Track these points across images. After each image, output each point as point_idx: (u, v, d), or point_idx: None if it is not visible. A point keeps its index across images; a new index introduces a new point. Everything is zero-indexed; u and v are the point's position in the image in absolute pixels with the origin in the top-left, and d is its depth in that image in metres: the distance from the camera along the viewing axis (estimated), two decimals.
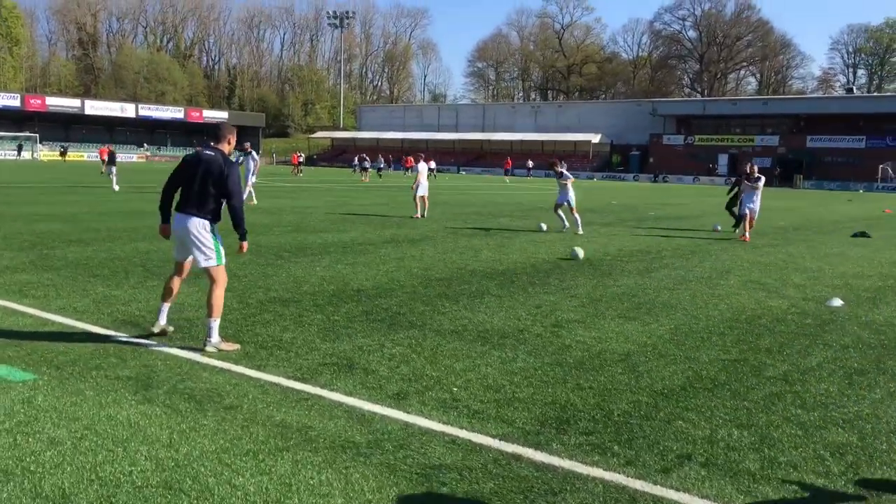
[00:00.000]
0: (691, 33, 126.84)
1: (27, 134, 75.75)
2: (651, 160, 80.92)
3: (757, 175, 16.47)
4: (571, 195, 16.63)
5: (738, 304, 8.67)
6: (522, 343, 6.45)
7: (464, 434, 4.27)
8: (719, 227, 18.75)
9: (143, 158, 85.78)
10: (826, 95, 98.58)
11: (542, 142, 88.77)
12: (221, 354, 5.72)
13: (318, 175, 58.24)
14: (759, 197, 16.30)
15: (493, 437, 4.24)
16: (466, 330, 6.87)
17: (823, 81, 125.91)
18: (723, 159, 76.92)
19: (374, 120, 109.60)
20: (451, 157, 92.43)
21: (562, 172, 16.60)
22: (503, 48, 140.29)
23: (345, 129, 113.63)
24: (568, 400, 4.94)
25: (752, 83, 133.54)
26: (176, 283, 6.21)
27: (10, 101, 78.96)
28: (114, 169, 28.62)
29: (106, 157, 36.35)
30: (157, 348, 5.84)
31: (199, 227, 5.82)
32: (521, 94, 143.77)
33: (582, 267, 11.27)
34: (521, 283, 9.64)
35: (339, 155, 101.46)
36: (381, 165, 59.09)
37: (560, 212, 17.09)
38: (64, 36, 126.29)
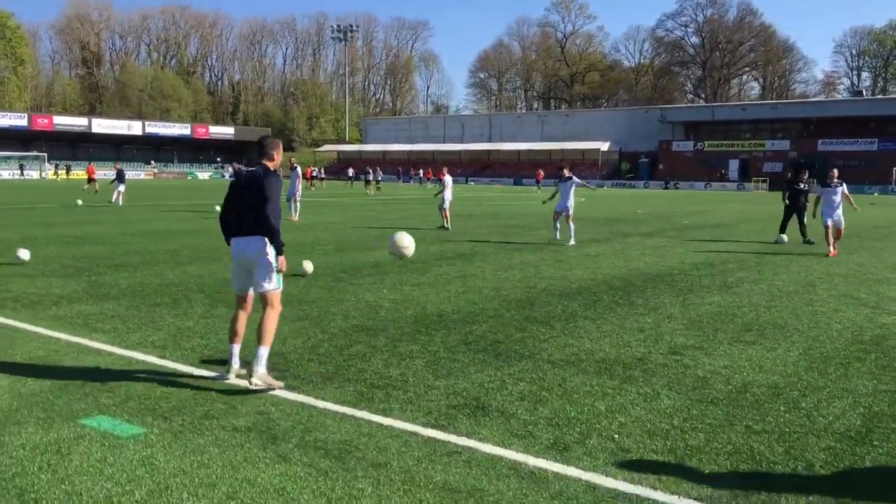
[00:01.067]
0: (694, 39, 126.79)
1: (35, 153, 75.49)
2: (660, 167, 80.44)
3: (837, 181, 15.09)
4: (572, 202, 16.23)
5: (849, 322, 8.09)
6: (652, 375, 5.88)
7: (662, 497, 3.69)
8: (785, 239, 17.45)
9: (151, 175, 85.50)
10: (835, 98, 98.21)
11: (550, 151, 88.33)
12: (336, 396, 5.17)
13: (328, 189, 57.72)
14: (841, 205, 15.02)
15: (700, 501, 3.67)
16: (581, 360, 6.31)
17: (827, 85, 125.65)
18: (733, 165, 76.46)
19: (379, 132, 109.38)
20: (458, 167, 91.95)
21: (570, 176, 16.46)
22: (505, 58, 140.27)
23: (350, 142, 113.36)
24: (751, 448, 4.36)
25: (755, 88, 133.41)
26: (242, 320, 5.68)
27: (18, 120, 78.81)
28: (122, 187, 28.36)
29: (94, 176, 36.78)
30: (262, 391, 5.28)
31: (259, 245, 5.47)
32: (523, 104, 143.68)
33: (656, 283, 10.71)
34: (605, 302, 9.07)
35: (345, 168, 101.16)
36: (380, 177, 58.64)
37: (557, 221, 16.66)
38: (67, 55, 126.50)
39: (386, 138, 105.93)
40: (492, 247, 15.39)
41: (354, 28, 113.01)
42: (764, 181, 70.00)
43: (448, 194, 19.90)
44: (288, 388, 5.35)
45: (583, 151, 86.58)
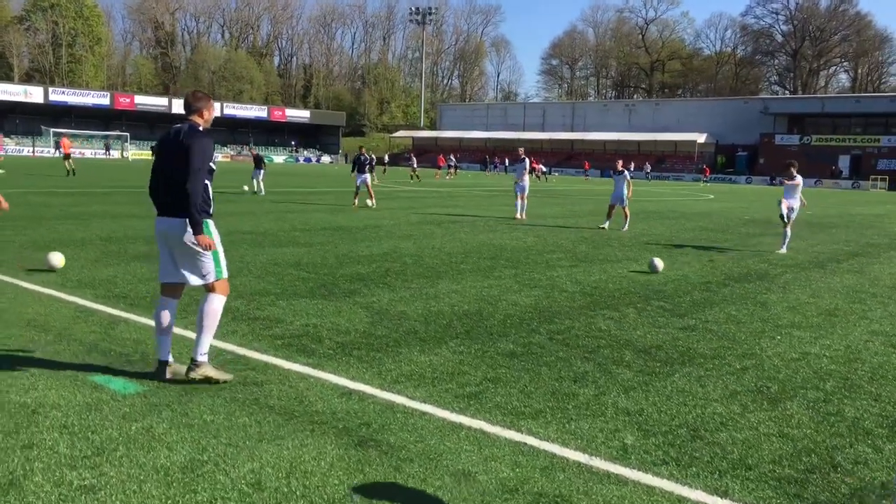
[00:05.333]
0: (784, 27, 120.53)
1: (118, 133, 74.56)
2: (761, 161, 75.72)
3: None
4: (626, 195, 17.02)
5: None
6: None
7: None
8: None
9: (228, 158, 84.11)
10: None
11: (639, 142, 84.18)
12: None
13: (422, 176, 55.03)
14: None
15: None
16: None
17: None
18: (844, 161, 71.38)
19: (455, 119, 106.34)
20: (540, 157, 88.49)
21: (623, 171, 17.42)
22: (580, 44, 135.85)
23: (424, 129, 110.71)
24: None
25: (843, 80, 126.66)
26: (171, 311, 5.02)
27: (101, 99, 78.06)
28: (262, 174, 25.71)
29: (69, 151, 34.69)
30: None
31: (186, 227, 4.72)
32: (594, 92, 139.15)
33: None
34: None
35: (421, 155, 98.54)
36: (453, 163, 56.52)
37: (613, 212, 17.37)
38: (140, 34, 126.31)
39: (462, 125, 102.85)
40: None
41: (433, 10, 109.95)
42: (883, 179, 64.97)
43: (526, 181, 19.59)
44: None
45: (675, 143, 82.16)
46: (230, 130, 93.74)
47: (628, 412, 4.66)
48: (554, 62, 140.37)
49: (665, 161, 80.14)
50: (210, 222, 4.88)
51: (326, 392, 4.87)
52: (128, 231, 13.16)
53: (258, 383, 4.99)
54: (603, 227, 17.05)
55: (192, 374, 4.84)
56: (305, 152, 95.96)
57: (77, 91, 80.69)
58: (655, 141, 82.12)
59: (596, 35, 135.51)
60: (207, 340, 4.91)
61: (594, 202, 29.24)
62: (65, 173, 32.87)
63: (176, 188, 4.70)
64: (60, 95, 76.62)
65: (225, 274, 4.97)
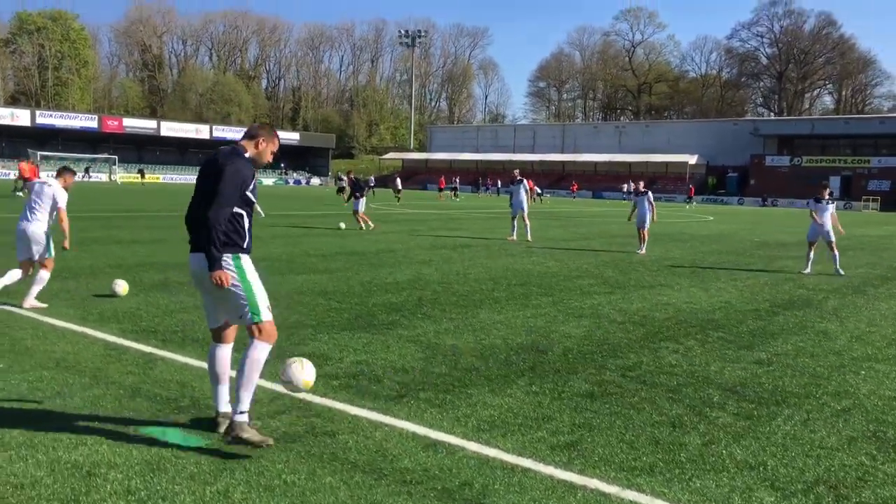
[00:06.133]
0: (769, 50, 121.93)
1: (106, 156, 73.73)
2: (752, 182, 76.02)
3: None
4: (649, 217, 16.93)
5: None
6: None
7: None
8: None
9: None
10: None
11: (630, 163, 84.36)
12: None
13: (414, 199, 54.70)
14: None
15: None
16: None
17: None
18: (834, 182, 71.69)
19: (445, 140, 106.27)
20: (531, 178, 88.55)
21: (646, 191, 17.37)
22: (567, 67, 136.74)
23: (414, 150, 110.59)
24: None
25: (827, 102, 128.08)
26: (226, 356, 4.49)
27: (89, 122, 77.30)
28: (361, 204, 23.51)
29: (27, 175, 30.77)
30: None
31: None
32: (582, 114, 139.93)
33: None
34: None
35: (411, 177, 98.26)
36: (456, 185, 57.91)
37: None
38: (127, 57, 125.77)
39: (452, 146, 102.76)
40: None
41: (422, 33, 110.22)
42: (874, 200, 65.32)
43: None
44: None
45: (667, 164, 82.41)
46: None
47: (750, 465, 4.20)
48: (541, 84, 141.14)
49: (657, 182, 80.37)
50: (244, 258, 4.30)
51: (408, 443, 4.37)
52: (137, 258, 12.60)
53: (329, 433, 4.48)
54: (641, 252, 16.52)
55: (227, 438, 4.16)
56: (295, 174, 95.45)
57: (64, 114, 79.92)
58: (647, 162, 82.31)
59: (582, 58, 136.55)
60: (247, 396, 4.17)
61: (598, 224, 28.93)
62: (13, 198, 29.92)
63: (203, 217, 4.15)
64: (48, 118, 75.80)
65: (266, 316, 4.29)
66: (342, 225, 21.32)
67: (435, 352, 6.67)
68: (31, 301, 7.95)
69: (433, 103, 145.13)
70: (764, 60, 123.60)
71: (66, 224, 8.21)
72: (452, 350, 6.74)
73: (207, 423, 4.54)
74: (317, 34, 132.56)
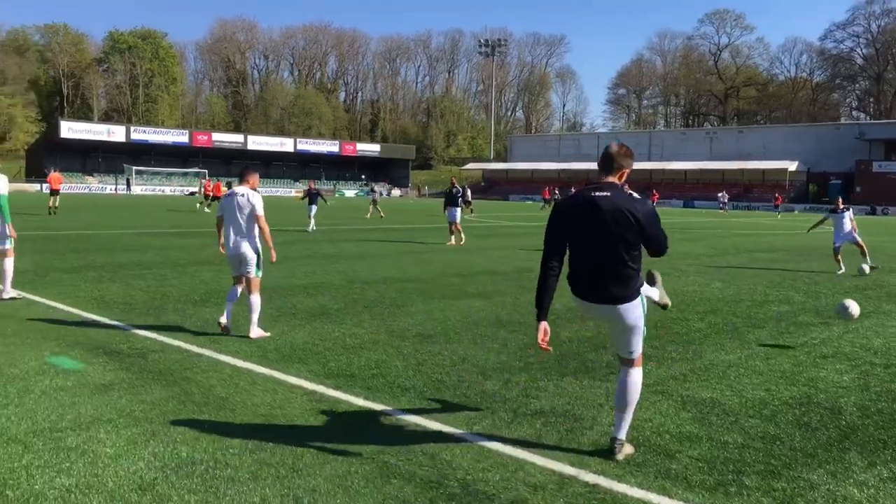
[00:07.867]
0: (865, 51, 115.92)
1: (196, 169, 75.42)
2: (857, 189, 71.78)
3: None
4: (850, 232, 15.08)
5: None
6: None
7: None
8: None
9: (300, 194, 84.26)
10: None
11: (724, 171, 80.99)
12: None
13: (502, 210, 53.49)
14: None
15: None
16: None
17: None
18: None
19: (526, 150, 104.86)
20: None
21: (847, 207, 15.53)
22: (647, 73, 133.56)
23: (495, 160, 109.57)
24: None
25: None
26: None
27: (180, 136, 79.41)
28: (313, 208, 23.82)
29: (210, 192, 33.02)
30: None
31: None
32: (663, 121, 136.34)
33: None
34: None
35: (492, 187, 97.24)
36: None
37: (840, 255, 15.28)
38: (212, 73, 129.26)
39: (533, 156, 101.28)
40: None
41: (502, 42, 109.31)
42: None
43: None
44: None
45: (763, 171, 78.75)
46: (301, 165, 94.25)
47: None
48: (621, 91, 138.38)
49: (753, 190, 76.79)
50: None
51: None
52: (294, 279, 11.63)
53: None
54: (842, 271, 14.95)
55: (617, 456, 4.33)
56: (376, 186, 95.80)
57: (157, 129, 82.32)
58: (742, 170, 78.81)
59: (664, 63, 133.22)
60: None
61: (731, 238, 27.05)
62: (46, 212, 28.56)
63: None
64: (142, 134, 78.16)
65: None
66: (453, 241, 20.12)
67: (703, 409, 5.41)
68: (256, 331, 7.40)
69: (509, 113, 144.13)
70: (860, 61, 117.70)
71: (267, 234, 7.46)
72: (726, 411, 5.45)
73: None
74: (394, 46, 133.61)
